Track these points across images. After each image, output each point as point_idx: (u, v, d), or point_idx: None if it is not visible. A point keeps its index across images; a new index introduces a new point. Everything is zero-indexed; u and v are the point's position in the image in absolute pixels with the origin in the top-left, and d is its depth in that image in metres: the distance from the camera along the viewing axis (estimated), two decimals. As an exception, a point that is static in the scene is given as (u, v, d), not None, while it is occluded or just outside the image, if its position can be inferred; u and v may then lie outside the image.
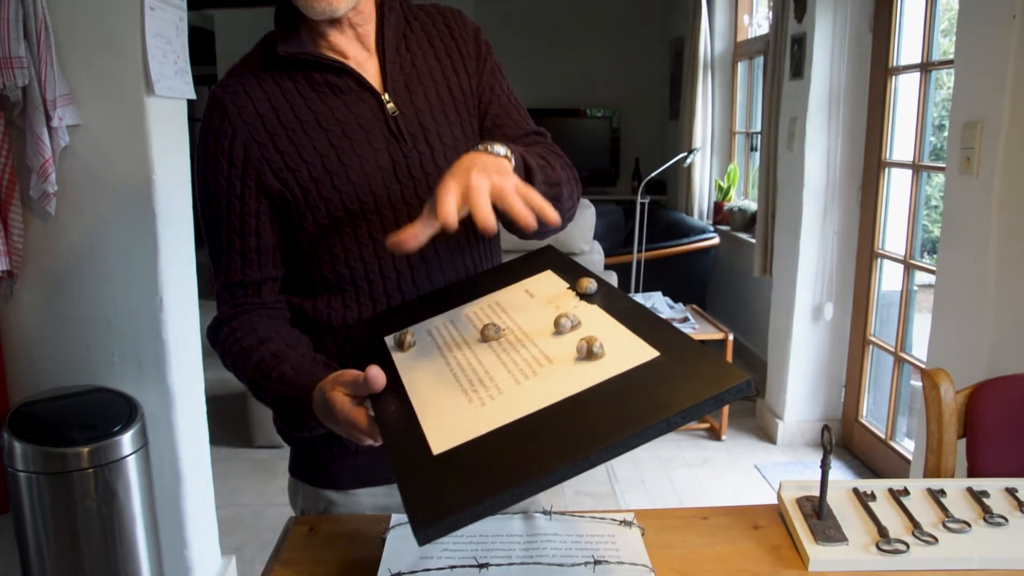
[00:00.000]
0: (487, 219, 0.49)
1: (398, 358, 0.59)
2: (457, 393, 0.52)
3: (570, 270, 0.66)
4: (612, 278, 2.37)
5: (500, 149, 0.55)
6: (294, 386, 0.59)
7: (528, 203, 0.52)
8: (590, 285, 0.62)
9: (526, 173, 0.61)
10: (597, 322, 0.57)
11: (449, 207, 0.49)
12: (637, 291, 2.76)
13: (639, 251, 2.78)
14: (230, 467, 2.16)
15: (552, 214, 0.52)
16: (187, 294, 1.31)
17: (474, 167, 0.51)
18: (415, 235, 0.52)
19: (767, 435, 2.39)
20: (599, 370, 0.50)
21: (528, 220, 0.51)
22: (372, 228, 0.66)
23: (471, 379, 0.54)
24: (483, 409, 0.49)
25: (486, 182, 0.50)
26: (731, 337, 2.27)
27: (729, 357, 2.28)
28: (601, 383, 0.49)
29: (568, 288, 0.63)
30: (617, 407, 0.46)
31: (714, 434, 2.40)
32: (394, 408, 0.52)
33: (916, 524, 0.62)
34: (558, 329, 0.57)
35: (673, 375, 0.47)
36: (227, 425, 2.37)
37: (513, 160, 0.56)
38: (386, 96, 0.67)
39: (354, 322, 0.67)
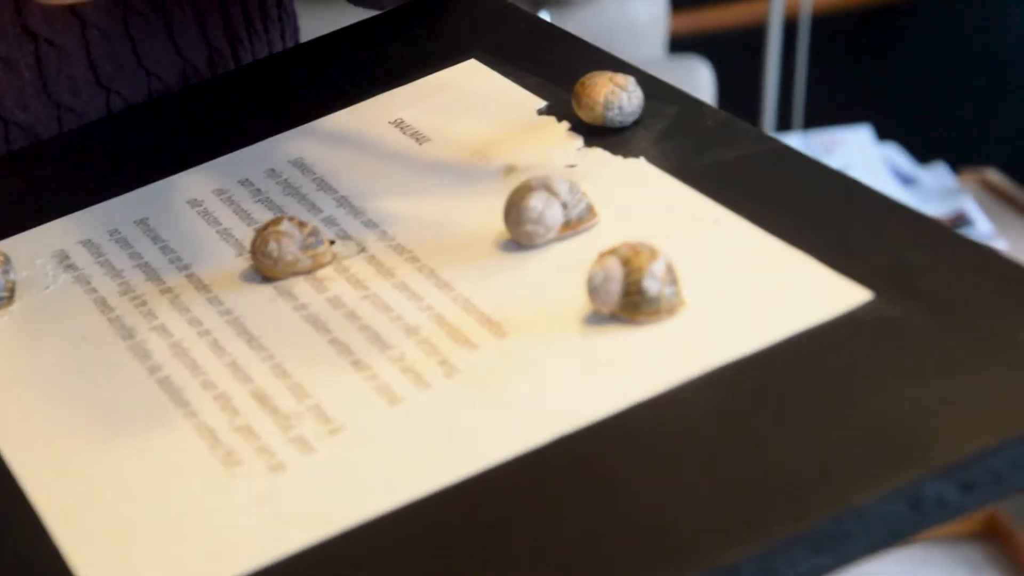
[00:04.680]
0: None
1: None
2: (176, 437, 0.56)
3: (538, 49, 0.75)
4: (701, 80, 2.39)
5: None
6: None
7: None
8: (619, 98, 0.67)
9: None
10: (649, 206, 0.63)
11: None
12: (787, 125, 2.82)
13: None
14: None
15: None
16: None
17: None
18: None
19: None
20: (664, 350, 0.54)
21: None
22: None
23: (227, 395, 0.57)
24: (262, 485, 0.52)
25: None
26: None
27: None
28: (674, 391, 0.52)
29: (543, 110, 0.71)
30: (736, 460, 0.49)
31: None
32: None
33: None
34: (522, 230, 0.61)
35: (926, 358, 0.51)
36: None
37: None
38: None
39: None
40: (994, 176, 2.64)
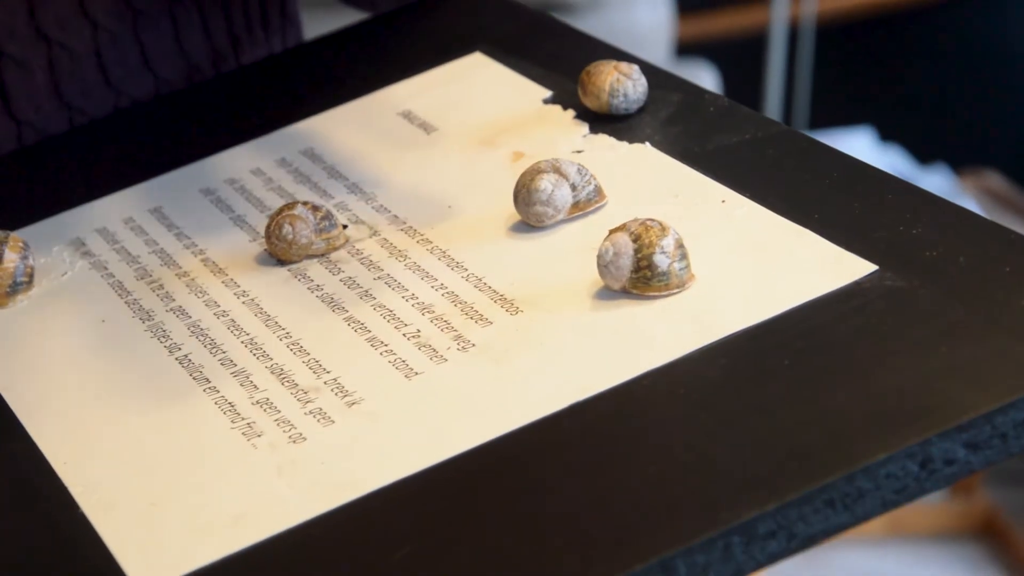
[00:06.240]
0: None
1: None
2: (197, 412, 0.57)
3: (541, 43, 0.77)
4: (706, 84, 2.35)
5: None
6: None
7: None
8: (624, 86, 0.69)
9: None
10: (657, 188, 0.65)
11: None
12: (787, 121, 2.76)
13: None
14: None
15: None
16: None
17: None
18: None
19: None
20: (675, 322, 0.55)
21: None
22: None
23: (246, 371, 0.58)
24: (283, 455, 0.54)
25: None
26: None
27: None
28: (686, 359, 0.53)
29: (548, 99, 0.73)
30: (748, 425, 0.50)
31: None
32: None
33: None
34: (532, 211, 0.62)
35: (931, 325, 0.53)
36: None
37: None
38: None
39: None
40: (993, 179, 2.65)
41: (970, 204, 2.47)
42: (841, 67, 3.05)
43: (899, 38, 3.20)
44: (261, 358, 0.58)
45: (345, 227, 0.64)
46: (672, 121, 0.67)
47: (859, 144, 2.60)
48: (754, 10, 2.94)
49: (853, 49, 3.15)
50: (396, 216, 0.65)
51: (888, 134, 2.75)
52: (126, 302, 0.63)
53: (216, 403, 0.57)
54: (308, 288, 0.62)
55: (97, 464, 0.56)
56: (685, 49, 2.72)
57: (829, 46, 2.97)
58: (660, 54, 2.44)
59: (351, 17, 0.87)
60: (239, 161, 0.72)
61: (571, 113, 0.69)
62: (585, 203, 0.62)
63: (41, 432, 0.58)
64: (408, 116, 0.73)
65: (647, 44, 2.40)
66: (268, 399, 0.56)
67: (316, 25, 0.93)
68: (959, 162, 2.83)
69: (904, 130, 2.87)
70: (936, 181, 2.59)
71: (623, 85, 0.67)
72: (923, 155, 2.77)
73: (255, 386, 0.57)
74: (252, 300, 0.62)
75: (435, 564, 0.48)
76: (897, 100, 3.13)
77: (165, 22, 0.80)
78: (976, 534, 2.65)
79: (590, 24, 2.46)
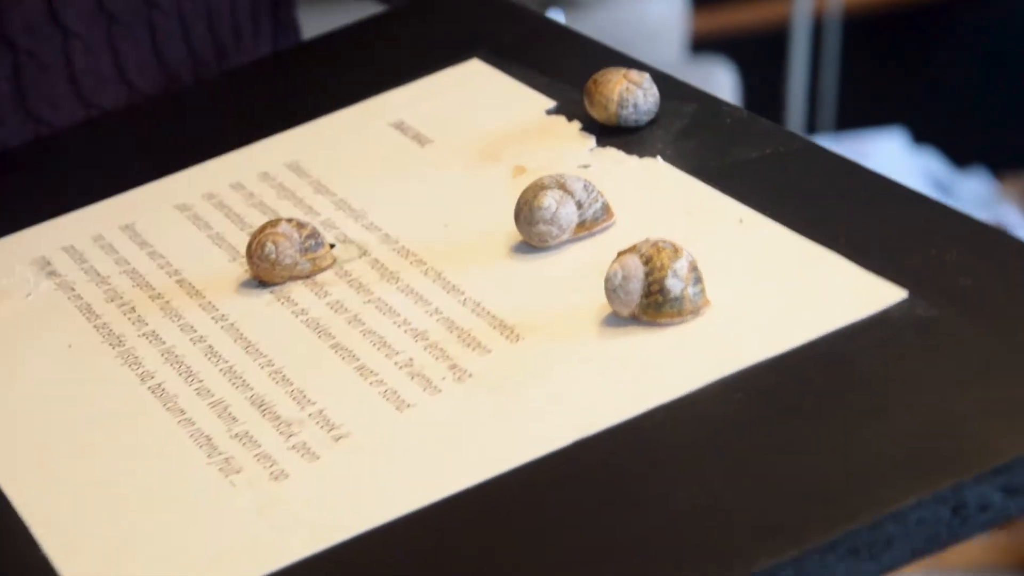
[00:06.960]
0: None
1: None
2: (170, 445, 0.57)
3: (544, 49, 0.78)
4: (723, 83, 2.40)
5: None
6: None
7: None
8: (634, 95, 0.69)
9: None
10: (669, 206, 0.66)
11: None
12: (815, 130, 2.84)
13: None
14: None
15: None
16: None
17: None
18: None
19: None
20: (689, 353, 0.56)
21: None
22: None
23: (224, 402, 0.59)
24: (263, 493, 0.54)
25: None
26: None
27: None
28: (700, 393, 0.53)
29: (552, 110, 0.74)
30: (765, 465, 0.50)
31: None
32: None
33: None
34: (535, 230, 0.62)
35: (964, 359, 0.52)
36: None
37: None
38: None
39: None
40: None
41: (1011, 211, 2.50)
42: (870, 63, 3.06)
43: (933, 31, 3.21)
44: (240, 388, 0.58)
45: (332, 246, 0.64)
46: (686, 134, 0.68)
47: (891, 146, 2.61)
48: (775, 2, 2.96)
49: (883, 43, 3.17)
50: (387, 235, 0.65)
51: (922, 135, 2.76)
52: (95, 326, 0.64)
53: (191, 436, 0.57)
54: (292, 312, 0.62)
55: (61, 503, 0.56)
56: (701, 45, 2.73)
57: (857, 40, 2.97)
58: (673, 50, 2.46)
59: (350, 16, 0.86)
60: (218, 174, 0.72)
61: (577, 125, 0.69)
62: (592, 222, 0.62)
63: (1, 468, 0.58)
64: (401, 127, 0.73)
65: (659, 40, 2.43)
66: (248, 432, 0.56)
67: (314, 25, 0.93)
68: (999, 165, 2.84)
69: (939, 131, 2.88)
70: (974, 186, 2.60)
71: (633, 95, 0.67)
72: (960, 157, 2.79)
73: (234, 418, 0.57)
74: (231, 325, 0.62)
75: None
76: (932, 98, 3.14)
77: (142, 30, 0.80)
78: (1018, 569, 2.68)
79: (598, 19, 2.48)
